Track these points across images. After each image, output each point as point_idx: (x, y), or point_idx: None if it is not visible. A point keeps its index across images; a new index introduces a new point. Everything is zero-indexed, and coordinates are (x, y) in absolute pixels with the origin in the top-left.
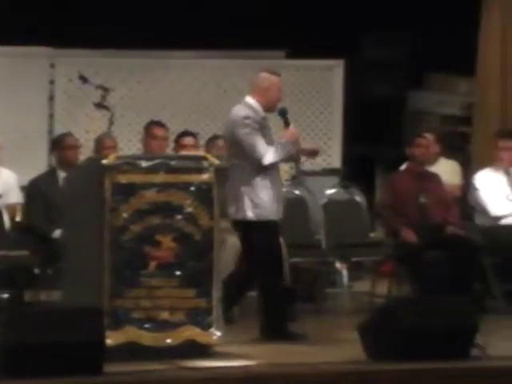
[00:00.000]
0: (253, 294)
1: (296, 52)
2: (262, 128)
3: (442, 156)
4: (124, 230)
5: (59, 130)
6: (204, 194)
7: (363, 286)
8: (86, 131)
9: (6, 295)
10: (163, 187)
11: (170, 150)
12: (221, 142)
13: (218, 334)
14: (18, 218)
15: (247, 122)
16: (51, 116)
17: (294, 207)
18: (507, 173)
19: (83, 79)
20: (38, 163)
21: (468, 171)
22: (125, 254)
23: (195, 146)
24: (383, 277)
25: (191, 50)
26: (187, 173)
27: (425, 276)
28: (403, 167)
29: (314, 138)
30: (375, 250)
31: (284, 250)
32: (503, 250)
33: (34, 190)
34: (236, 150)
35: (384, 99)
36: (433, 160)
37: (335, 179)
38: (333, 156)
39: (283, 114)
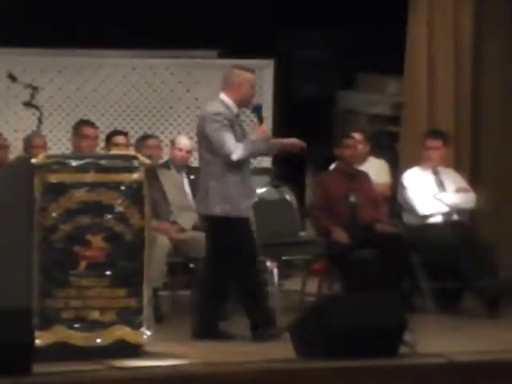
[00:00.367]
0: (184, 293)
1: (227, 51)
2: (234, 125)
3: (371, 155)
4: (54, 229)
5: None
6: (135, 194)
7: (294, 284)
8: (14, 130)
9: None
10: (93, 186)
11: (99, 149)
12: (151, 141)
13: (149, 333)
14: None
15: (217, 118)
16: None
17: None
18: (435, 172)
19: (12, 78)
20: None
21: (396, 170)
22: (55, 254)
23: (126, 145)
24: (314, 275)
25: (121, 49)
26: (117, 172)
27: (354, 274)
28: (333, 167)
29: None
30: (306, 249)
31: None
32: (431, 249)
33: None
34: (207, 146)
35: (314, 99)
36: (362, 159)
37: (266, 178)
38: None
39: (257, 110)
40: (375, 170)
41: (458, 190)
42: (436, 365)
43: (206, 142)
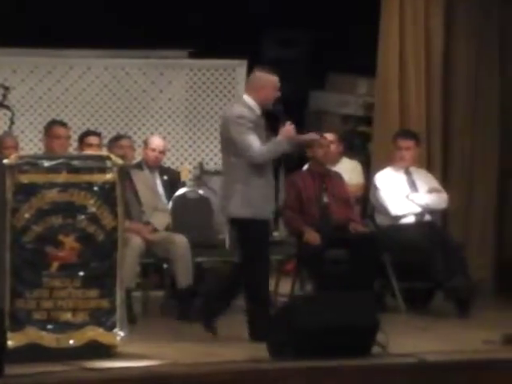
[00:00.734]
0: (157, 293)
1: (199, 52)
2: (257, 126)
3: (343, 155)
4: (26, 230)
5: None
6: (107, 194)
7: None
8: None
9: None
10: (65, 187)
11: (72, 150)
12: (124, 142)
13: (122, 334)
14: None
15: (241, 121)
16: None
17: (198, 207)
18: (407, 172)
19: None
20: None
21: (369, 171)
22: (26, 255)
23: (99, 146)
24: (286, 276)
25: (94, 49)
26: (90, 172)
27: (326, 275)
28: (305, 167)
29: (217, 138)
30: (278, 249)
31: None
32: (402, 249)
33: None
34: (231, 148)
35: (286, 99)
36: (335, 160)
37: None
38: None
39: (280, 111)
40: (348, 170)
41: (430, 191)
42: (407, 364)
43: (230, 145)
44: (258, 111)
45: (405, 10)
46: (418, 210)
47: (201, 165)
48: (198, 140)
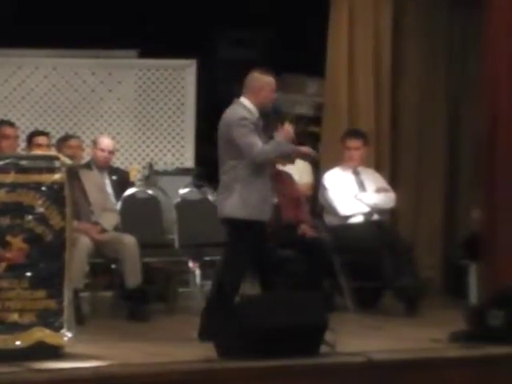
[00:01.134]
0: (106, 294)
1: (149, 51)
2: (257, 128)
3: None
4: None
5: None
6: (56, 194)
7: None
8: None
9: None
10: (14, 187)
11: (21, 150)
12: (73, 142)
13: (69, 335)
14: None
15: (243, 122)
16: None
17: (147, 207)
18: (355, 172)
19: None
20: None
21: (318, 170)
22: None
23: (48, 146)
24: None
25: (42, 48)
26: (38, 173)
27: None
28: None
29: (166, 138)
30: None
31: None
32: (351, 249)
33: None
34: (230, 150)
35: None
36: None
37: (188, 179)
38: (186, 156)
39: (277, 111)
40: (298, 170)
41: (378, 190)
42: (356, 363)
43: (230, 148)
44: (256, 113)
45: (354, 11)
46: (367, 209)
47: (150, 165)
48: (148, 140)
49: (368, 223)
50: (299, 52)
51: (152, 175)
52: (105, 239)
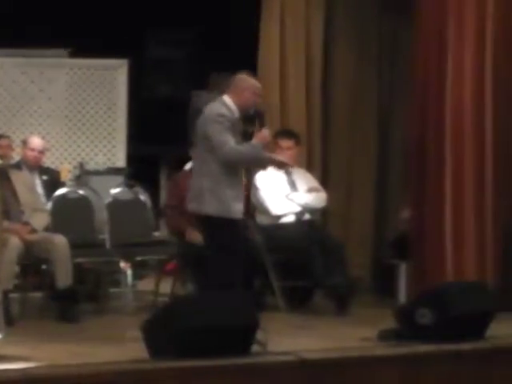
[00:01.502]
0: (36, 294)
1: (80, 51)
2: (234, 128)
3: None
4: None
5: None
6: None
7: (147, 285)
8: None
9: None
10: None
11: None
12: (2, 141)
13: None
14: None
15: (220, 119)
16: None
17: (78, 207)
18: (287, 172)
19: None
20: None
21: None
22: None
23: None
24: (167, 276)
25: None
26: None
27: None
28: (188, 167)
29: (98, 137)
30: (159, 249)
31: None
32: (283, 248)
33: None
34: (205, 146)
35: (168, 99)
36: None
37: (120, 178)
38: (117, 155)
39: (261, 114)
40: None
41: (310, 190)
42: (287, 362)
43: (206, 142)
44: (236, 114)
45: (285, 12)
46: (298, 209)
47: (81, 165)
48: (78, 140)
49: (299, 223)
50: (230, 52)
51: (83, 175)
52: (35, 239)
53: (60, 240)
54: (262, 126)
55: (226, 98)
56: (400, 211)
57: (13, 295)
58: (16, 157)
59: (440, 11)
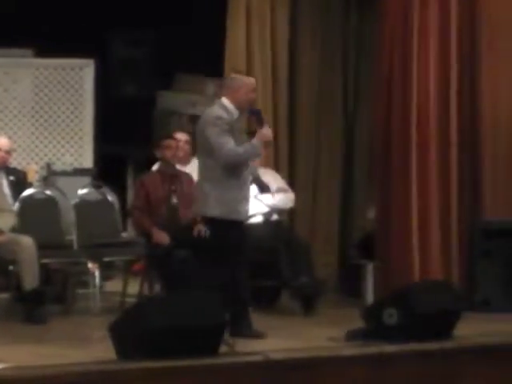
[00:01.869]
0: (2, 296)
1: (46, 51)
2: (233, 129)
3: (193, 156)
4: None
5: None
6: None
7: (115, 285)
8: None
9: None
10: None
11: None
12: None
13: None
14: None
15: (218, 122)
16: None
17: (45, 208)
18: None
19: None
20: None
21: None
22: None
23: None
24: (134, 276)
25: None
26: None
27: (174, 275)
28: (155, 168)
29: (65, 138)
30: (127, 250)
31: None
32: (250, 248)
33: None
34: (206, 150)
35: (134, 99)
36: (186, 160)
37: (87, 179)
38: (84, 156)
39: (257, 113)
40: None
41: (278, 191)
42: (254, 363)
43: (205, 146)
44: (235, 114)
45: (251, 11)
46: (266, 209)
47: (48, 165)
48: (45, 140)
49: (267, 223)
50: (195, 51)
51: (50, 175)
52: (2, 240)
53: (27, 241)
54: (260, 123)
55: (224, 100)
56: (366, 211)
57: None
58: None
59: (404, 6)
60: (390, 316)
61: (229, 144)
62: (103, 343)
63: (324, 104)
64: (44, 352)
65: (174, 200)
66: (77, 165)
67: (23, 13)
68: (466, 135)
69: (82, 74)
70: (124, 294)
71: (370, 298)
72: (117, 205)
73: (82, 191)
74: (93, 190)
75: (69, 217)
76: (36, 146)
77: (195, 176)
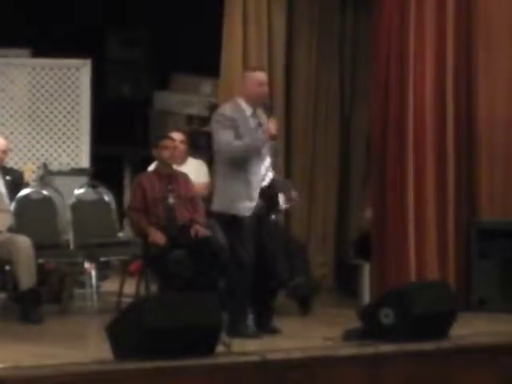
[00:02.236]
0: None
1: (42, 51)
2: (240, 126)
3: (189, 155)
4: None
5: None
6: None
7: (111, 285)
8: None
9: None
10: None
11: None
12: None
13: None
14: None
15: (219, 118)
16: None
17: (42, 207)
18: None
19: None
20: None
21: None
22: None
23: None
24: (131, 276)
25: None
26: None
27: (171, 275)
28: (151, 168)
29: (61, 138)
30: (123, 250)
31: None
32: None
33: None
34: (213, 147)
35: (131, 99)
36: (181, 160)
37: (84, 179)
38: (81, 156)
39: (265, 107)
40: (194, 170)
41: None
42: (251, 363)
43: (212, 143)
44: (248, 111)
45: (248, 12)
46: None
47: (44, 165)
48: (42, 140)
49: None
50: (191, 52)
51: (47, 175)
52: None
53: (24, 241)
54: (268, 117)
55: (237, 98)
56: (363, 211)
57: None
58: None
59: (401, 6)
60: (387, 316)
61: (225, 138)
62: (100, 343)
63: (320, 104)
64: (40, 352)
65: (171, 200)
66: (73, 165)
67: (20, 13)
68: (462, 135)
69: (79, 74)
70: (120, 293)
71: (366, 297)
72: (113, 205)
73: (78, 191)
74: (89, 189)
75: (65, 217)
76: (33, 146)
77: (192, 176)
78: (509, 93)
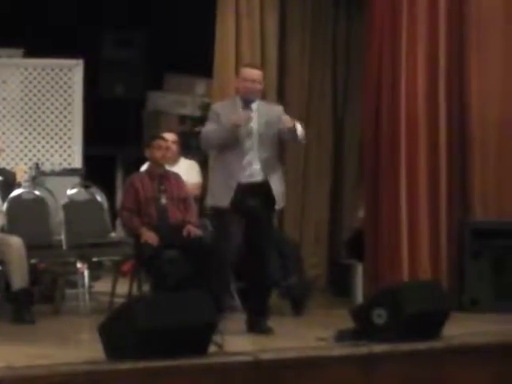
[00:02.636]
0: None
1: (34, 51)
2: (226, 119)
3: (181, 156)
4: None
5: None
6: None
7: (104, 285)
8: None
9: None
10: None
11: None
12: None
13: None
14: None
15: (209, 113)
16: None
17: (34, 208)
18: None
19: None
20: None
21: (206, 170)
22: None
23: None
24: (123, 276)
25: None
26: None
27: (163, 275)
28: (144, 168)
29: (54, 138)
30: (116, 250)
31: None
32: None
33: None
34: None
35: (124, 99)
36: (174, 160)
37: (76, 179)
38: (73, 156)
39: (246, 101)
40: (186, 170)
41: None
42: (243, 363)
43: None
44: (239, 106)
45: (240, 12)
46: None
47: (37, 165)
48: (34, 140)
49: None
50: (185, 52)
51: (39, 176)
52: None
53: (16, 241)
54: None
55: (237, 95)
56: (356, 210)
57: None
58: None
59: (393, 5)
60: (379, 316)
61: (204, 129)
62: (92, 343)
63: (313, 103)
64: (32, 352)
65: (164, 200)
66: (66, 165)
67: (12, 13)
68: (455, 135)
69: (71, 74)
70: (113, 294)
71: (359, 298)
72: (106, 205)
73: (70, 191)
74: (82, 190)
75: (58, 217)
76: (25, 146)
77: (184, 176)
78: (501, 93)
